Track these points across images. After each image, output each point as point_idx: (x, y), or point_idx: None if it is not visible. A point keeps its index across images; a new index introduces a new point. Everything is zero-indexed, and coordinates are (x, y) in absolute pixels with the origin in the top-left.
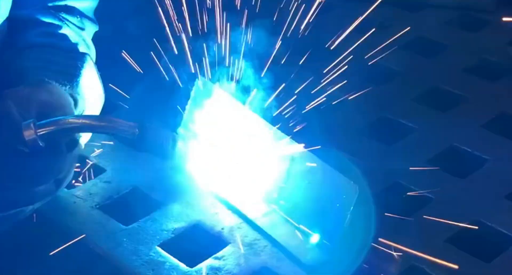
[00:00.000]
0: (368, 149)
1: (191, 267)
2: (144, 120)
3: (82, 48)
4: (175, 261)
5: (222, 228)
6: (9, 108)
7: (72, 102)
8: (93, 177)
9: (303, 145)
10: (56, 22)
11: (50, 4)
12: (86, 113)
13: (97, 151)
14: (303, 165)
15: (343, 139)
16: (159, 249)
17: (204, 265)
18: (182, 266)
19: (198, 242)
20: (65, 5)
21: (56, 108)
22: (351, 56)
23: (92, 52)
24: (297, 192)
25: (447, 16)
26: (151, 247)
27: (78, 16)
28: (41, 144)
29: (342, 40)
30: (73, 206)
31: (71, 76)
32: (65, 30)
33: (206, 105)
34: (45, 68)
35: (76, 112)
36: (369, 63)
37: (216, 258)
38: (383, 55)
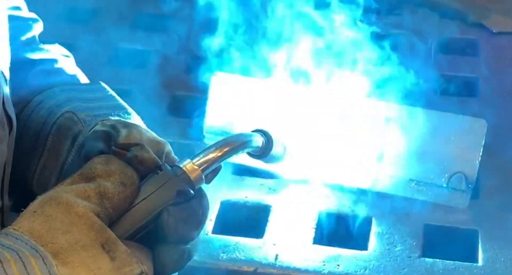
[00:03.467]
0: None
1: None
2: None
3: (82, 78)
4: None
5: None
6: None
7: None
8: None
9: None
10: (47, 56)
11: (23, 39)
12: None
13: None
14: (406, 120)
15: None
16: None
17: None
18: None
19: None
20: (34, 36)
21: (160, 140)
22: None
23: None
24: (410, 149)
25: None
26: None
27: (56, 44)
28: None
29: None
30: None
31: (120, 106)
32: (60, 64)
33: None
34: (88, 108)
35: None
36: None
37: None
38: None
